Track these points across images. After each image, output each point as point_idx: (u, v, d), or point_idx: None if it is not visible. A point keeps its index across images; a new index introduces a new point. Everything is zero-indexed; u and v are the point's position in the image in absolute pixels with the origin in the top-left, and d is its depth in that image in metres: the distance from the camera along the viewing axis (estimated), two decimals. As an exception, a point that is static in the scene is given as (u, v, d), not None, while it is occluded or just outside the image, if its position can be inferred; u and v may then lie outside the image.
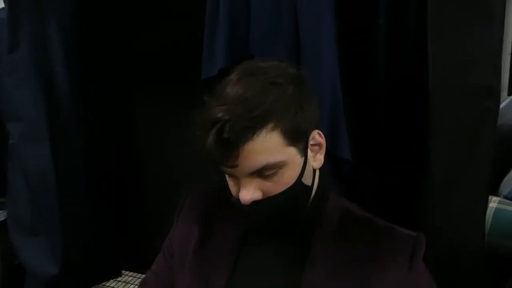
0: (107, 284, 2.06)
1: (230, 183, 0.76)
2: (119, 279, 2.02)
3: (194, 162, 1.23)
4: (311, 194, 0.80)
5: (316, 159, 0.79)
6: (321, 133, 0.78)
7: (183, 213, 0.92)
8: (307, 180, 0.77)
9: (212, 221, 0.87)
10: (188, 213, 0.91)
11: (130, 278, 2.12)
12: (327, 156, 0.84)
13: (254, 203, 0.72)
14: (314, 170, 0.80)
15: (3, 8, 1.38)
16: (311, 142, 0.77)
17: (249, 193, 0.71)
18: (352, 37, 1.10)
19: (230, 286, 0.79)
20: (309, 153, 0.77)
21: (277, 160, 0.70)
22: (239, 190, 0.73)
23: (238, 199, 0.73)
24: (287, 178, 0.72)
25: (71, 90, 1.45)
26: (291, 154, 0.72)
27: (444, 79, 0.95)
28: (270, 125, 0.68)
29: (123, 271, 1.96)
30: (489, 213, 1.11)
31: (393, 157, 1.11)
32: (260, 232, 0.82)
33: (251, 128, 0.67)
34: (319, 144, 0.79)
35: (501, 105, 1.40)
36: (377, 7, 1.04)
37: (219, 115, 0.66)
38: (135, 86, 1.67)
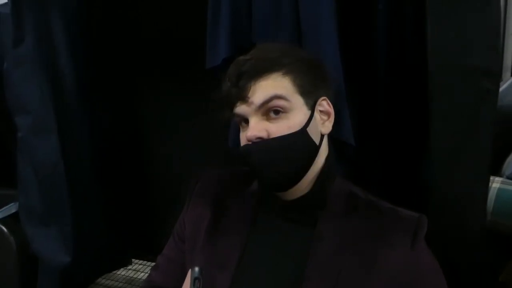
0: (118, 272, 2.09)
1: (242, 133, 0.83)
2: (129, 267, 2.05)
3: (202, 149, 1.26)
4: (316, 154, 0.83)
5: (325, 126, 0.84)
6: (330, 103, 0.84)
7: (194, 198, 0.96)
8: (313, 137, 0.81)
9: (222, 204, 0.91)
10: (199, 198, 0.95)
11: (140, 266, 2.15)
12: (330, 141, 0.87)
13: (259, 141, 0.78)
14: (322, 136, 0.84)
15: (5, 3, 1.39)
16: (320, 108, 0.83)
17: (255, 130, 0.77)
18: (352, 22, 1.11)
19: (241, 263, 0.83)
20: (318, 117, 0.82)
21: (285, 94, 0.77)
22: None
23: (245, 146, 0.80)
24: (292, 123, 0.78)
25: (77, 81, 1.47)
26: (299, 102, 0.79)
27: (443, 60, 0.95)
28: (283, 70, 0.78)
29: (133, 260, 1.98)
30: (492, 193, 1.12)
31: (394, 140, 1.12)
32: (270, 210, 0.87)
33: (266, 68, 0.78)
34: (327, 113, 0.84)
35: (505, 85, 1.40)
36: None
37: (242, 57, 0.81)
38: (142, 77, 1.67)
